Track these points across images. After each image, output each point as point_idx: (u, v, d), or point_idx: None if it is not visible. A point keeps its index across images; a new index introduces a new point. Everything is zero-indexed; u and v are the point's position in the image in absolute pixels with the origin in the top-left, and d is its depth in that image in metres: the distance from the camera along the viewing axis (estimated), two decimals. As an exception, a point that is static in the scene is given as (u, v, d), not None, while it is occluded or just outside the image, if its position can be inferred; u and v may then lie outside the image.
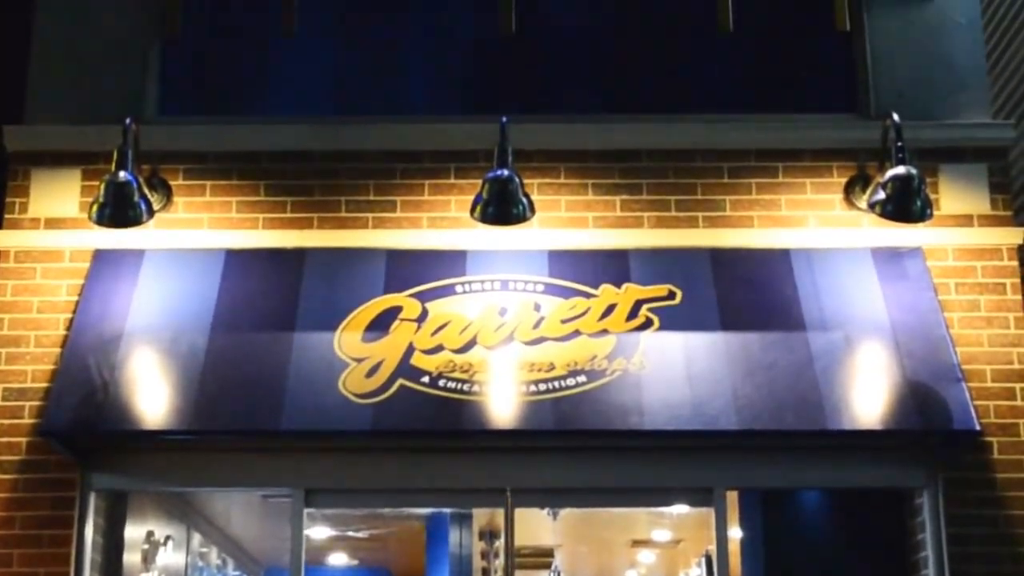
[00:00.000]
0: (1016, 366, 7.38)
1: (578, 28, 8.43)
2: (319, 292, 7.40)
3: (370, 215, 7.68)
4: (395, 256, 7.56)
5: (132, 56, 7.96)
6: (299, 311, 7.33)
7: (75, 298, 7.43)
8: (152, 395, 7.05)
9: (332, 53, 8.42)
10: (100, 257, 7.53)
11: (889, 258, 7.55)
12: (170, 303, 7.35)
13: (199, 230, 7.63)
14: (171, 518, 8.45)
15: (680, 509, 8.06)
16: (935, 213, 7.38)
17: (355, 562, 12.31)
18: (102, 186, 7.14)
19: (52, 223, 7.64)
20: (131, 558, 7.64)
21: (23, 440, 7.22)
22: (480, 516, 9.78)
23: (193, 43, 8.28)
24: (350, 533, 10.59)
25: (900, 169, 7.14)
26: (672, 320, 7.31)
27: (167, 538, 8.28)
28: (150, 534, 7.99)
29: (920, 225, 7.38)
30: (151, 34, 8.03)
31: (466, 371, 7.12)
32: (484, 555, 10.07)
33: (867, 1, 8.07)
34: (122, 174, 7.13)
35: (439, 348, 7.20)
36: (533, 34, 8.19)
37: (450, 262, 7.52)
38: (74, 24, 7.97)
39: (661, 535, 10.83)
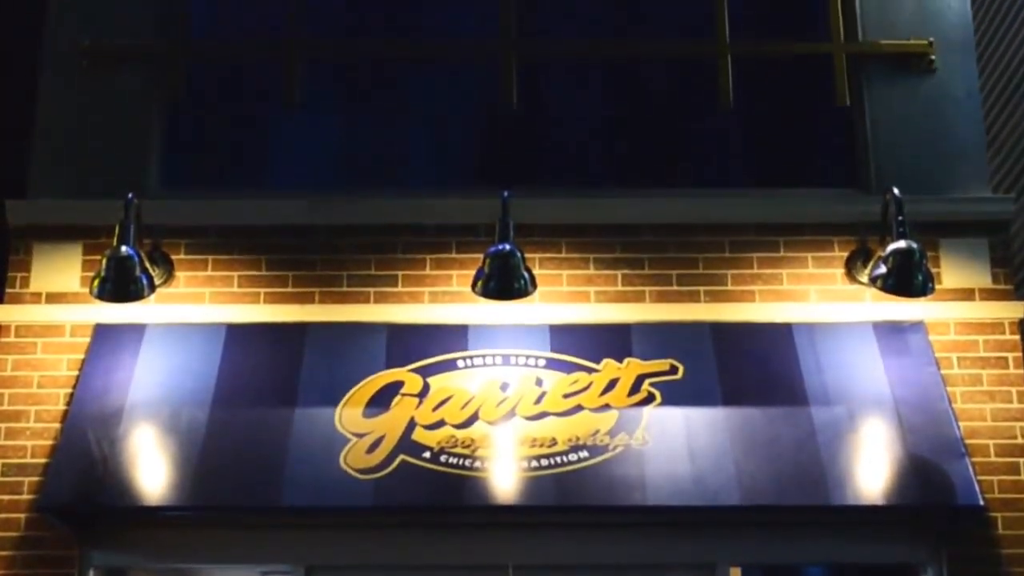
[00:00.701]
0: (1019, 440, 7.35)
1: (579, 103, 8.47)
2: (320, 367, 7.39)
3: (372, 290, 7.69)
4: (396, 331, 7.55)
5: (134, 131, 7.99)
6: (300, 386, 7.31)
7: (76, 373, 7.41)
8: (152, 470, 7.01)
9: (334, 127, 8.45)
10: (101, 332, 7.52)
11: (891, 332, 7.54)
12: (171, 378, 7.34)
13: (200, 305, 7.63)
14: (170, 594, 8.36)
15: (683, 585, 8.00)
16: (936, 287, 7.39)
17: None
18: (104, 261, 7.14)
19: (53, 297, 7.63)
20: (129, 635, 7.57)
21: (22, 516, 7.18)
22: (481, 592, 9.69)
23: (195, 117, 8.31)
24: (350, 609, 10.48)
25: (901, 243, 7.14)
26: (674, 395, 7.29)
27: (166, 615, 8.19)
28: (149, 611, 7.92)
29: (922, 299, 7.39)
30: (153, 109, 8.08)
31: (468, 446, 7.09)
32: (485, 631, 9.97)
33: (867, 76, 8.12)
34: (124, 249, 7.13)
35: (440, 423, 7.18)
36: (535, 109, 8.25)
37: (452, 337, 7.51)
38: (76, 99, 8.01)
39: (663, 611, 10.72)
